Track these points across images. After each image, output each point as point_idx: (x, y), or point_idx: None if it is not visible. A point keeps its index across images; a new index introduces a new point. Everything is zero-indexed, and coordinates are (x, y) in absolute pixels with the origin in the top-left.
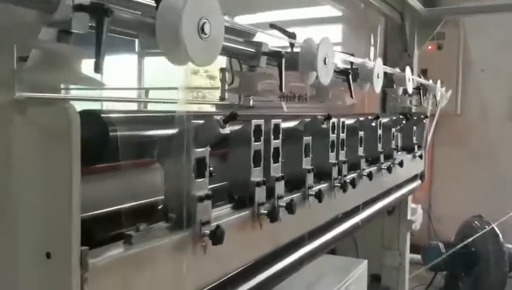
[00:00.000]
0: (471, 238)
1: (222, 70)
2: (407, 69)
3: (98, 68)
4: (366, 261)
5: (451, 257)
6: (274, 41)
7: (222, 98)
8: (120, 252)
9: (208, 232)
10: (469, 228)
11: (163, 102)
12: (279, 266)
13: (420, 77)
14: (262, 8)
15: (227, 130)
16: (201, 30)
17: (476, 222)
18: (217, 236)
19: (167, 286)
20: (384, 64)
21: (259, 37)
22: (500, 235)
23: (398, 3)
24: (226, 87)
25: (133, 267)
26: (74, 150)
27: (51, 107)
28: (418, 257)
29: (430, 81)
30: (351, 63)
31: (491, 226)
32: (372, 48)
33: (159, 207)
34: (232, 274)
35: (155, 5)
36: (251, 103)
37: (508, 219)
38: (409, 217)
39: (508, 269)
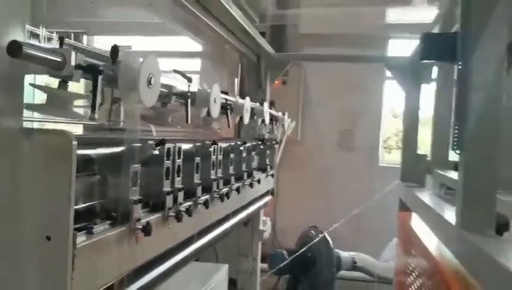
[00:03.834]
0: (308, 245)
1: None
2: (265, 104)
3: (94, 108)
4: (227, 266)
5: (292, 262)
6: None
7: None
8: (86, 239)
9: (141, 227)
10: (306, 236)
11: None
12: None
13: (272, 109)
14: (119, 32)
15: (156, 151)
16: (149, 82)
17: (312, 231)
18: (147, 230)
19: (115, 264)
20: (242, 97)
21: None
22: (331, 242)
23: (255, 47)
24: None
25: (95, 249)
26: (73, 165)
27: (54, 134)
28: (264, 265)
29: (280, 113)
30: (226, 99)
31: (323, 235)
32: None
33: (105, 208)
34: (152, 258)
35: (111, 60)
36: (121, 124)
37: (336, 228)
38: (260, 228)
39: (336, 270)
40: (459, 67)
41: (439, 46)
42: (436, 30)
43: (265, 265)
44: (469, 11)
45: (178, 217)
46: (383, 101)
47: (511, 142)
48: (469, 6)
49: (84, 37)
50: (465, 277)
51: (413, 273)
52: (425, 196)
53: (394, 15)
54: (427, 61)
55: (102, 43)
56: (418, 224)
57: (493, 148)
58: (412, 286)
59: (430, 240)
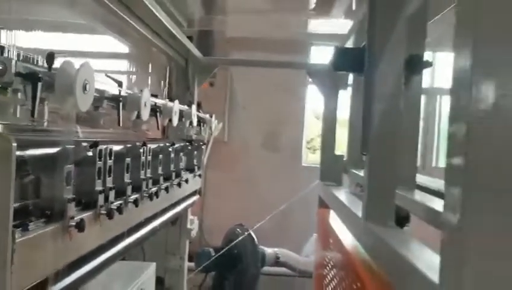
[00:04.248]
0: (234, 242)
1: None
2: (193, 106)
3: (33, 113)
4: (154, 264)
5: (219, 260)
6: None
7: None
8: (22, 235)
9: (74, 224)
10: (233, 234)
11: None
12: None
13: (199, 111)
14: (39, 28)
15: (90, 152)
16: (84, 88)
17: (238, 229)
18: (81, 226)
19: (50, 259)
20: (170, 98)
21: None
22: (255, 239)
23: (183, 51)
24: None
25: (31, 245)
26: (12, 166)
27: None
28: (191, 264)
29: (207, 115)
30: (155, 102)
31: (248, 232)
32: (161, 85)
33: (41, 206)
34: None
35: (47, 66)
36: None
37: (261, 226)
38: (188, 226)
39: (260, 266)
40: (365, 78)
41: (349, 59)
42: (351, 40)
43: (192, 264)
44: (373, 29)
45: (109, 215)
46: (306, 103)
47: (409, 145)
48: (374, 24)
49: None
50: (372, 265)
51: (329, 266)
52: (341, 194)
53: (316, 24)
54: None
55: (23, 39)
56: (334, 220)
57: (392, 150)
58: (328, 277)
59: (344, 234)
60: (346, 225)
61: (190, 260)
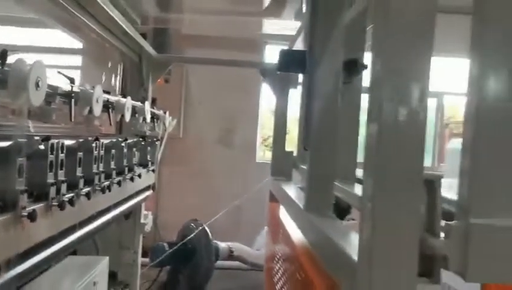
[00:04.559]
0: (189, 237)
1: None
2: (147, 103)
3: None
4: (107, 258)
5: (173, 254)
6: None
7: None
8: None
9: (26, 214)
10: (187, 229)
11: None
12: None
13: (153, 107)
14: None
15: (42, 146)
16: (37, 85)
17: (192, 224)
18: (33, 216)
19: (2, 248)
20: (124, 95)
21: None
22: (210, 234)
23: (137, 47)
24: None
25: None
26: None
27: None
28: (145, 259)
29: (161, 112)
30: (107, 100)
31: (202, 227)
32: (115, 81)
33: None
34: (37, 242)
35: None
36: None
37: (216, 221)
38: (142, 221)
39: (214, 259)
40: (307, 78)
41: (293, 60)
42: (299, 40)
43: (147, 259)
44: (314, 34)
45: (61, 206)
46: (260, 101)
47: (349, 141)
48: (315, 30)
49: None
50: (313, 255)
51: (278, 258)
52: (290, 188)
53: (269, 25)
54: None
55: None
56: (283, 213)
57: (332, 145)
58: (277, 269)
59: (291, 227)
60: (291, 217)
61: (145, 255)
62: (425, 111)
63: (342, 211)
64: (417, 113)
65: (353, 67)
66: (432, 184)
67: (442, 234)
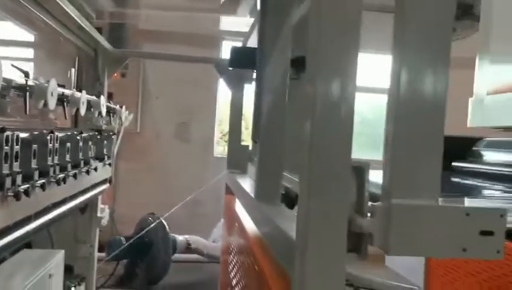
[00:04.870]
0: (145, 230)
1: None
2: (102, 97)
3: None
4: (63, 251)
5: (131, 248)
6: None
7: None
8: None
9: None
10: (144, 222)
11: None
12: None
13: (109, 102)
14: None
15: None
16: None
17: (149, 218)
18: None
19: None
20: (79, 89)
21: None
22: (167, 227)
23: (92, 42)
24: None
25: None
26: None
27: None
28: (101, 254)
29: (118, 106)
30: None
31: (159, 220)
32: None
33: None
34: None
35: None
36: None
37: (173, 214)
38: (98, 215)
39: (172, 252)
40: (257, 74)
41: (243, 57)
42: (253, 37)
43: (103, 254)
44: (264, 33)
45: (17, 197)
46: (218, 96)
47: (295, 134)
48: (264, 29)
49: None
50: (264, 243)
51: (232, 249)
52: (244, 181)
53: (227, 21)
54: None
55: None
56: (238, 205)
57: (280, 137)
58: (232, 260)
59: (245, 218)
60: (244, 208)
61: (101, 250)
62: (352, 105)
63: (291, 200)
64: (346, 108)
65: (300, 64)
66: (360, 170)
67: (369, 215)
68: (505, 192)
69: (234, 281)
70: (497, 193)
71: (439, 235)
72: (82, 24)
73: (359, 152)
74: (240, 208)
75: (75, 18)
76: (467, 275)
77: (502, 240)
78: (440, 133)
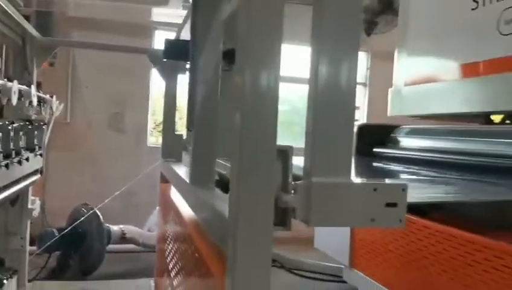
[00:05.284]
0: (79, 221)
1: None
2: (33, 86)
3: None
4: None
5: (63, 239)
6: None
7: None
8: None
9: None
10: (77, 213)
11: None
12: None
13: (39, 91)
14: None
15: None
16: None
17: (83, 209)
18: None
19: None
20: (8, 78)
21: None
22: (101, 217)
23: (19, 30)
24: None
25: None
26: None
27: None
28: (32, 248)
29: (48, 96)
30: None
31: (93, 210)
32: None
33: None
34: None
35: None
36: None
37: (108, 205)
38: (29, 207)
39: (106, 243)
40: (190, 66)
41: (177, 49)
42: (186, 28)
43: (34, 248)
44: (196, 23)
45: None
46: (150, 86)
47: (228, 123)
48: (196, 23)
49: None
50: (201, 227)
51: (168, 236)
52: (179, 168)
53: (159, 11)
54: None
55: None
56: (174, 193)
57: (212, 126)
58: (169, 248)
59: (181, 204)
60: (180, 193)
61: (32, 243)
62: (277, 94)
63: (225, 185)
64: (271, 97)
65: (232, 56)
66: (284, 153)
67: (293, 192)
68: (417, 174)
69: (171, 265)
70: (409, 176)
71: (352, 208)
72: (9, 11)
73: (293, 141)
74: (175, 195)
75: (1, 5)
76: (386, 252)
77: (404, 211)
78: (351, 119)
